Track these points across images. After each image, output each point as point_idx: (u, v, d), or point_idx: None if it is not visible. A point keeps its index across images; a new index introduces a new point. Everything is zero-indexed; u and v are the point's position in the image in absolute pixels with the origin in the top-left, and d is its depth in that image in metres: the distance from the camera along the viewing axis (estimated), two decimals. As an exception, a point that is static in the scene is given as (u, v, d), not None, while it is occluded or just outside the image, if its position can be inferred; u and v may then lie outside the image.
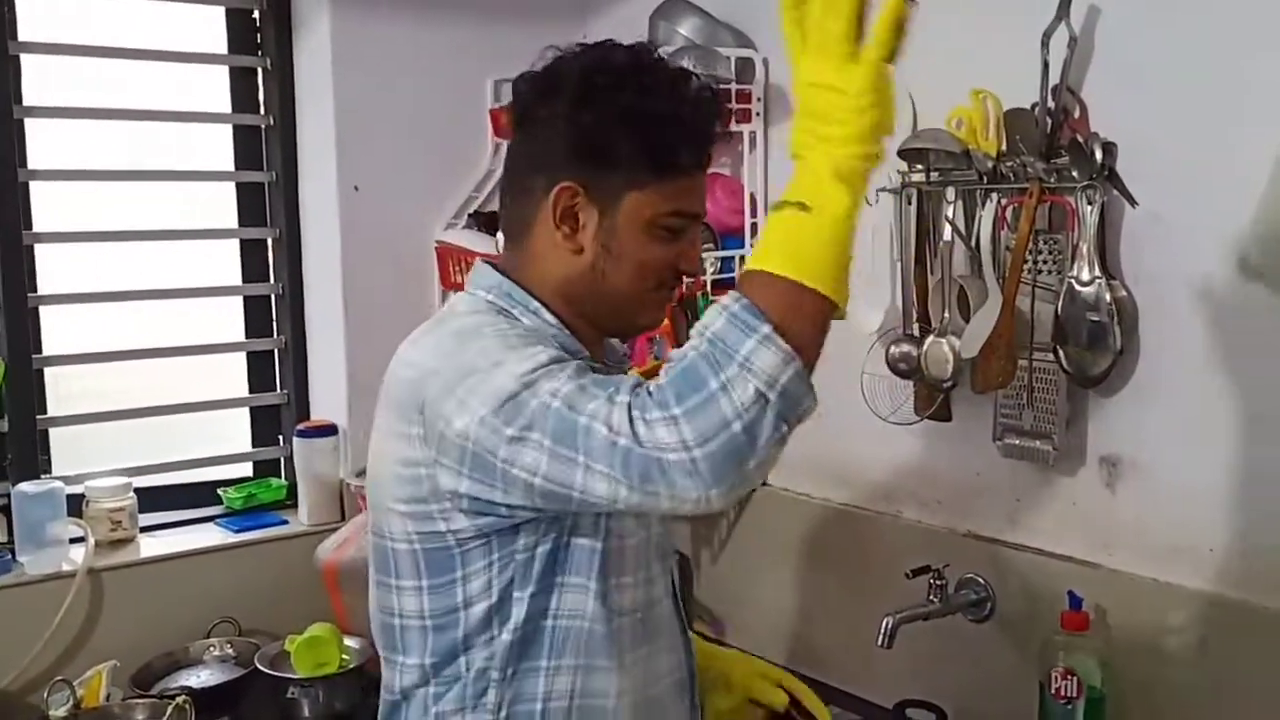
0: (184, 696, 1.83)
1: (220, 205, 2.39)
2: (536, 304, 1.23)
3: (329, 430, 2.31)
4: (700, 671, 1.39)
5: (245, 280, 2.41)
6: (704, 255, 2.09)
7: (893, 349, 1.91)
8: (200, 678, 2.01)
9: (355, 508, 2.23)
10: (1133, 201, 1.63)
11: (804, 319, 1.03)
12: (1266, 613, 1.53)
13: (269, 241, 2.41)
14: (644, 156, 1.18)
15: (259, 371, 2.45)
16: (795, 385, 1.01)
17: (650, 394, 1.02)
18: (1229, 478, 1.57)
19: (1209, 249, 1.55)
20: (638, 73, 1.19)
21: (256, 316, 2.43)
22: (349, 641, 2.06)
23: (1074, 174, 1.65)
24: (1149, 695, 1.66)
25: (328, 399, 2.39)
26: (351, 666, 2.01)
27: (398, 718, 1.27)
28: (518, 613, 1.20)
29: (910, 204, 1.85)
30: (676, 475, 1.00)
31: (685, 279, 1.29)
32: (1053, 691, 1.65)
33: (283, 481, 2.42)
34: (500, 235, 2.19)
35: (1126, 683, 1.67)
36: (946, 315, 1.83)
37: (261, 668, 1.99)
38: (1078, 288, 1.65)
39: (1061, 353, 1.68)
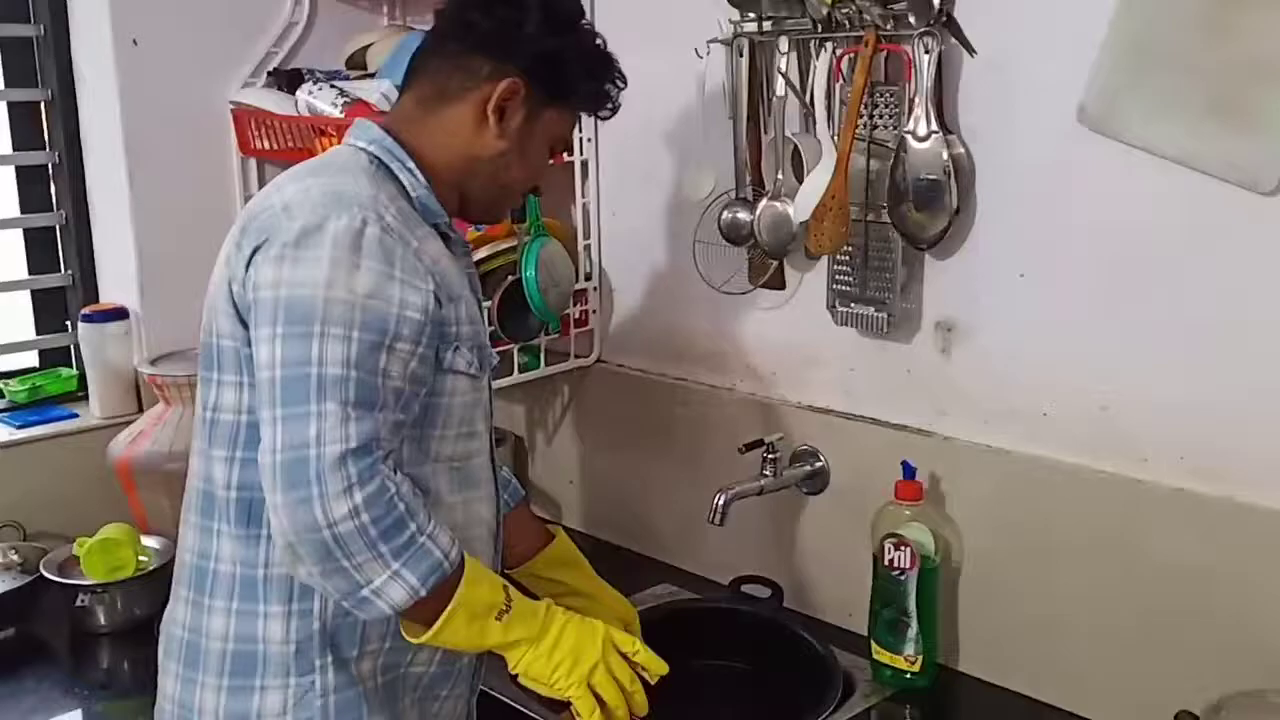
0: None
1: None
2: (413, 164, 1.26)
3: (119, 314, 2.10)
4: (561, 598, 1.39)
5: (16, 149, 2.15)
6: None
7: (725, 214, 1.81)
8: (-21, 587, 1.83)
9: (151, 397, 2.04)
10: (971, 50, 1.54)
11: (420, 619, 1.15)
12: (1100, 476, 1.50)
13: (41, 105, 2.15)
14: (580, 87, 1.32)
15: (39, 251, 2.21)
16: (375, 611, 1.12)
17: (368, 477, 1.09)
18: (1064, 341, 1.52)
19: (1048, 101, 1.47)
20: (588, 24, 1.36)
21: (32, 190, 2.18)
22: (148, 542, 1.90)
23: (911, 21, 1.54)
24: (985, 564, 1.63)
25: (118, 280, 2.17)
26: (151, 569, 1.85)
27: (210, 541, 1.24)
28: None
29: (741, 56, 1.73)
30: (300, 514, 1.08)
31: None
32: (886, 563, 1.61)
33: (73, 371, 2.21)
34: (304, 92, 2.02)
35: (962, 551, 1.64)
36: (780, 176, 1.72)
37: (48, 575, 1.82)
38: (913, 144, 1.56)
39: (897, 214, 1.59)
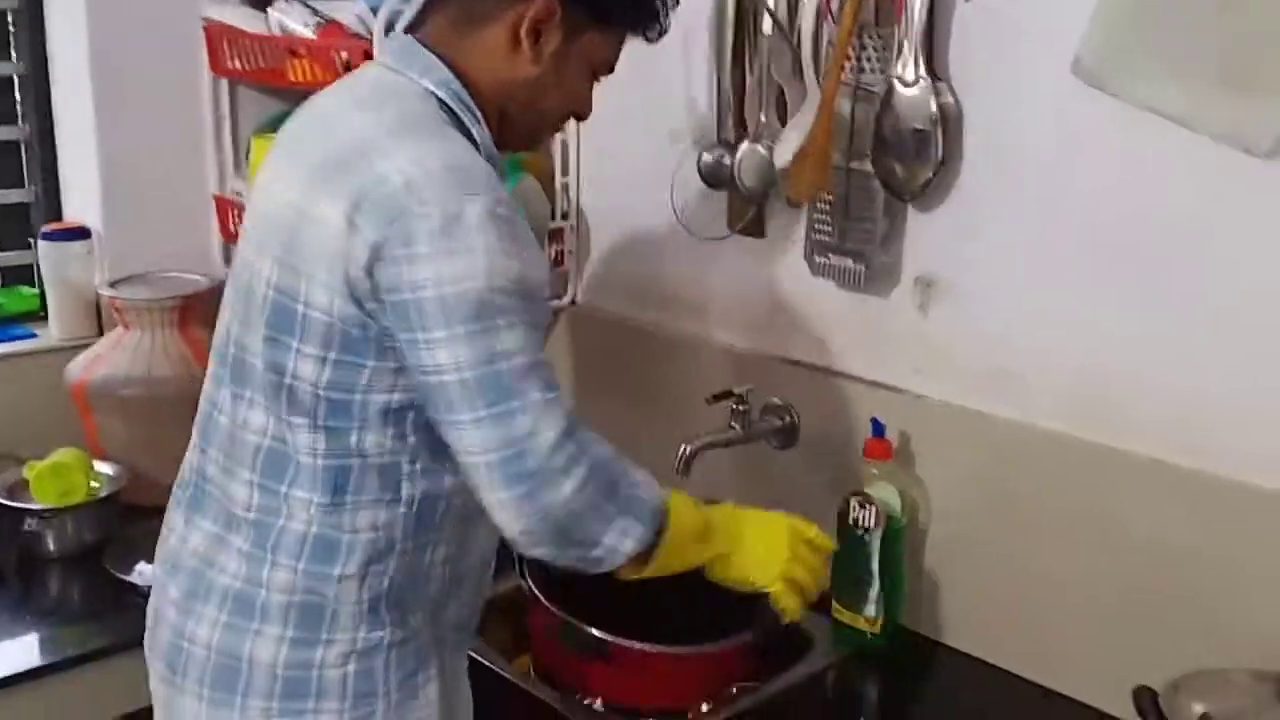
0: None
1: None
2: (480, 115, 1.20)
3: (81, 233, 2.04)
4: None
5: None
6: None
7: (705, 156, 1.74)
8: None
9: (111, 320, 1.99)
10: (964, -7, 1.47)
11: (655, 554, 1.20)
12: (1078, 444, 1.45)
13: (7, 13, 2.07)
14: (623, 8, 1.25)
15: (2, 165, 2.14)
16: (611, 565, 1.18)
17: (587, 449, 1.13)
18: (1047, 303, 1.47)
19: (1044, 51, 1.41)
20: None
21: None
22: (101, 467, 1.86)
23: (904, -41, 1.47)
24: (954, 528, 1.59)
25: (82, 198, 2.11)
26: (103, 495, 1.81)
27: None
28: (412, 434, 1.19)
29: (729, -9, 1.66)
30: (530, 506, 1.10)
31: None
32: (850, 521, 1.57)
33: (34, 290, 2.15)
34: (277, 10, 1.94)
35: (930, 513, 1.60)
36: (763, 118, 1.66)
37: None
38: (900, 90, 1.49)
39: (880, 163, 1.53)
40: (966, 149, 1.50)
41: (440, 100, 1.18)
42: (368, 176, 1.10)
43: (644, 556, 1.19)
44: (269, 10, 1.95)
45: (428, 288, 1.07)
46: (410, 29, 1.24)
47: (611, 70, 1.29)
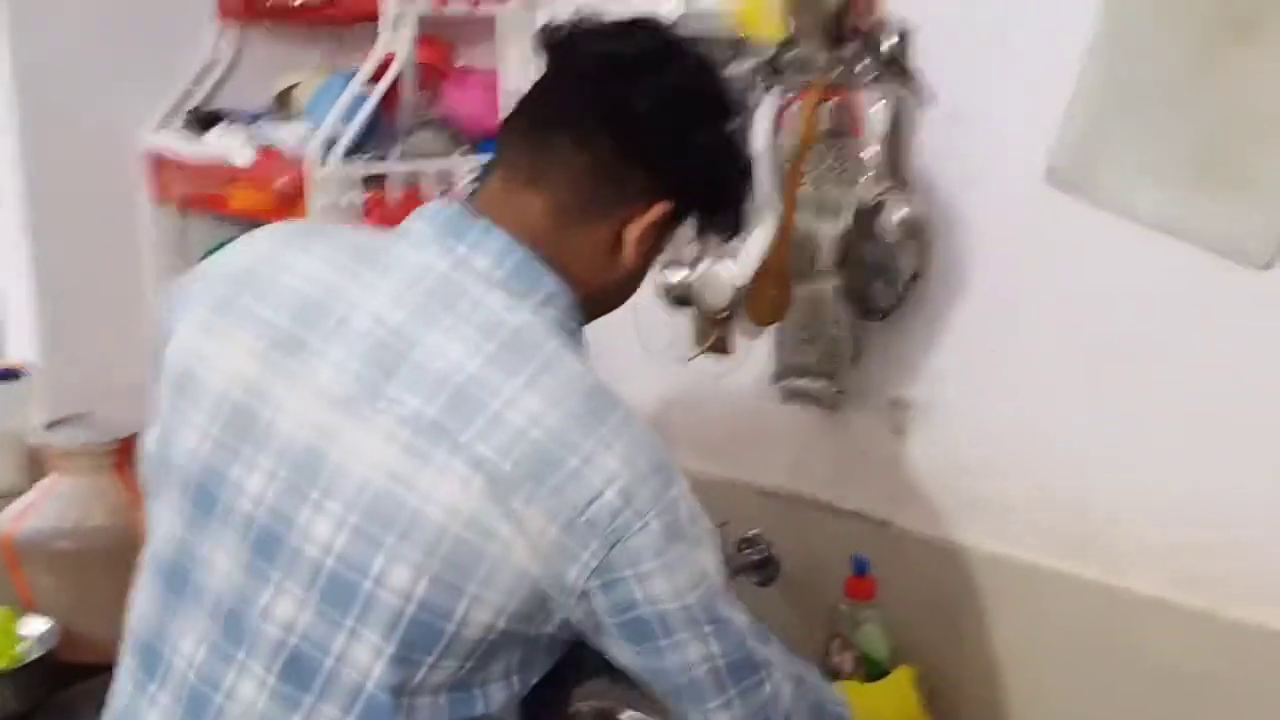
0: None
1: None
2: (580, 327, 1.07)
3: (13, 374, 1.94)
4: None
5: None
6: (460, 162, 1.80)
7: (665, 274, 1.64)
8: None
9: (47, 468, 1.87)
10: (926, 101, 1.38)
11: None
12: (1073, 581, 1.33)
13: (-59, 146, 2.00)
14: (723, 209, 1.14)
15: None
16: None
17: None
18: (1032, 425, 1.36)
19: (1016, 158, 1.31)
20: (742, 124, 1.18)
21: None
22: (30, 627, 1.72)
23: (863, 65, 1.38)
24: (939, 669, 1.45)
25: (19, 336, 2.01)
26: (32, 658, 1.68)
27: None
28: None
29: (681, 102, 1.56)
30: None
31: None
32: (830, 667, 1.44)
33: (-29, 433, 2.05)
34: (215, 134, 1.86)
35: (914, 656, 1.47)
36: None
37: None
38: (864, 202, 1.39)
39: (846, 279, 1.43)
40: (938, 262, 1.40)
41: (557, 325, 1.02)
42: (570, 491, 0.92)
43: None
44: (207, 135, 1.87)
45: (667, 601, 0.96)
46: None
47: None
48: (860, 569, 1.44)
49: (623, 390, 1.77)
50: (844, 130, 1.43)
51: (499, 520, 0.92)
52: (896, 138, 1.39)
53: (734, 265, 1.52)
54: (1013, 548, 1.38)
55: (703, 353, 1.64)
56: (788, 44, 1.45)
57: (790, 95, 1.45)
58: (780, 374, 1.55)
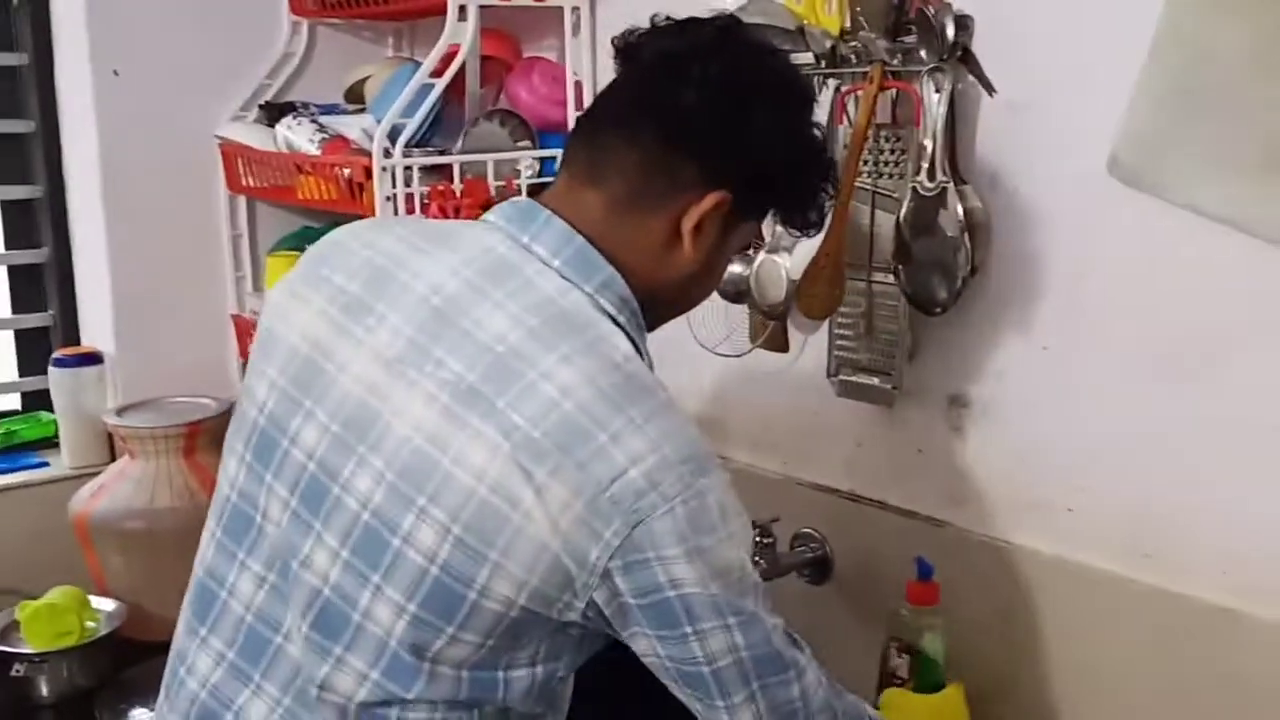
0: None
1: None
2: (642, 323, 1.07)
3: (92, 359, 1.99)
4: None
5: (1, 183, 2.06)
6: (520, 154, 1.80)
7: (720, 267, 1.62)
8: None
9: (119, 451, 1.92)
10: (990, 89, 1.34)
11: None
12: (1126, 584, 1.29)
13: (25, 137, 2.06)
14: (795, 203, 1.12)
15: (24, 289, 2.11)
16: None
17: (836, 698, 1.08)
18: (1092, 426, 1.31)
19: (1078, 149, 1.27)
20: (812, 112, 1.14)
21: (18, 224, 2.09)
22: (100, 605, 1.77)
23: (921, 55, 1.35)
24: (993, 671, 1.42)
25: (96, 322, 2.06)
26: (99, 635, 1.72)
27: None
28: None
29: (740, 93, 1.54)
30: None
31: None
32: (888, 671, 1.41)
33: (54, 416, 2.10)
34: (284, 127, 1.89)
35: (969, 658, 1.43)
36: (778, 227, 1.54)
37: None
38: (921, 195, 1.36)
39: (903, 273, 1.40)
40: (998, 256, 1.37)
41: (605, 311, 1.02)
42: (595, 466, 0.92)
43: None
44: (277, 127, 1.90)
45: (691, 587, 0.95)
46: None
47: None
48: (925, 573, 1.40)
49: (678, 383, 1.77)
50: (902, 121, 1.40)
51: (523, 488, 0.92)
52: (956, 128, 1.35)
53: (789, 259, 1.51)
54: (1073, 551, 1.34)
55: (757, 347, 1.62)
56: (846, 34, 1.42)
57: (848, 86, 1.43)
58: (836, 369, 1.52)
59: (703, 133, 1.05)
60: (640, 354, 1.04)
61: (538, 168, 1.83)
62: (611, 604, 0.96)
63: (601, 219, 1.05)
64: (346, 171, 1.75)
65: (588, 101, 1.85)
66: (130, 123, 1.96)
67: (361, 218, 1.86)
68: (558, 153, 1.81)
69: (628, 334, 1.03)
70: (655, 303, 1.09)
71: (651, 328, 1.11)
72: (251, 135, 1.97)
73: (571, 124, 1.83)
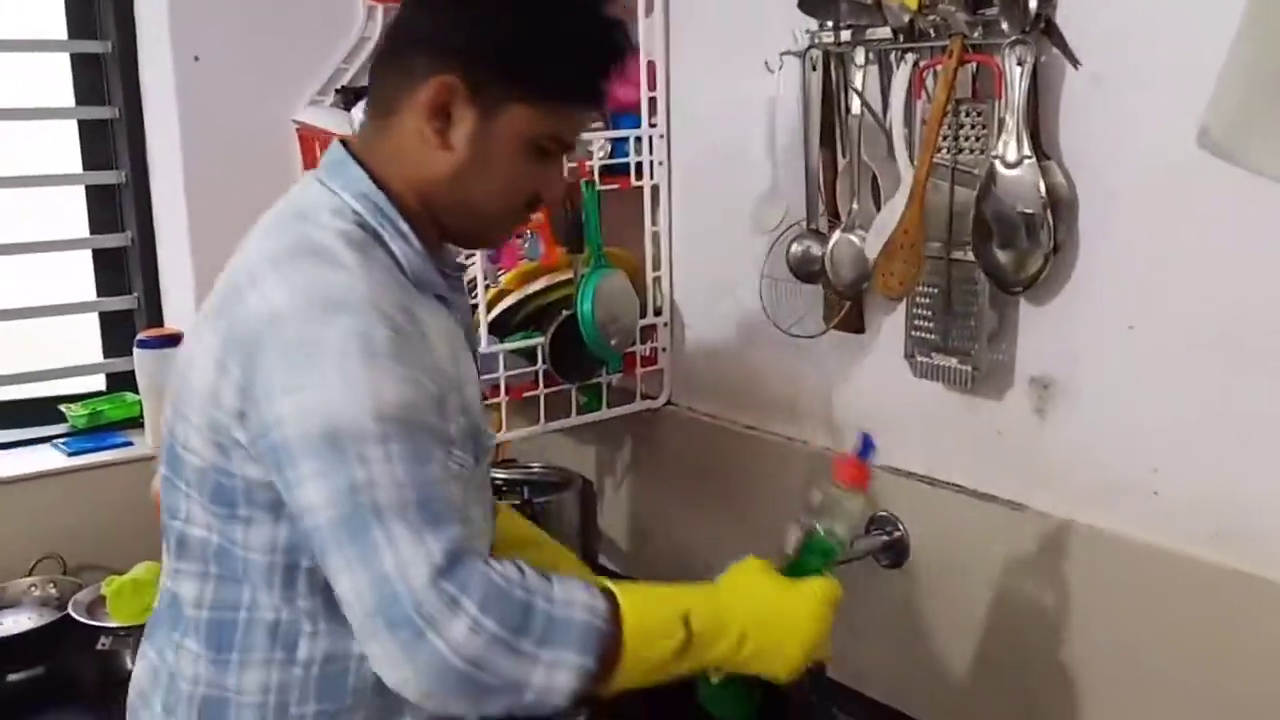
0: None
1: (54, 82, 2.08)
2: (405, 226, 1.09)
3: (175, 340, 2.02)
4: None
5: (86, 168, 2.11)
6: (592, 135, 1.80)
7: (794, 247, 1.61)
8: (8, 623, 1.76)
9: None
10: (1075, 61, 1.31)
11: (610, 679, 1.01)
12: (1208, 568, 1.25)
13: (109, 123, 2.10)
14: (552, 78, 1.08)
15: (108, 273, 2.16)
16: (546, 706, 0.98)
17: (471, 584, 0.95)
18: (1179, 408, 1.28)
19: (1165, 121, 1.23)
20: None
21: (102, 210, 2.13)
22: (182, 581, 1.80)
23: (1003, 28, 1.32)
24: (1067, 652, 1.39)
25: (179, 304, 2.10)
26: (181, 611, 1.76)
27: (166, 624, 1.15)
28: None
29: (815, 69, 1.53)
30: (420, 655, 0.93)
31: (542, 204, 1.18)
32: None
33: (138, 397, 2.15)
34: (358, 110, 1.91)
35: (1050, 646, 1.40)
36: (855, 205, 1.52)
37: (74, 614, 1.74)
38: (1002, 170, 1.33)
39: (983, 252, 1.37)
40: (1082, 234, 1.33)
41: (356, 215, 1.08)
42: (236, 311, 1.02)
43: (604, 674, 0.99)
44: (352, 110, 1.91)
45: (287, 424, 0.97)
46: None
47: (566, 146, 1.13)
48: (865, 451, 1.19)
49: (751, 364, 1.76)
50: (982, 95, 1.38)
51: (198, 344, 1.05)
52: (1038, 102, 1.32)
53: (865, 237, 1.49)
54: (1154, 534, 1.30)
55: (832, 328, 1.61)
56: (925, 7, 1.39)
57: (927, 60, 1.40)
58: (912, 350, 1.50)
59: (422, 21, 1.09)
60: (402, 267, 1.08)
61: (609, 149, 1.82)
62: (246, 451, 1.01)
63: (369, 135, 1.13)
64: (421, 153, 1.75)
65: (661, 82, 1.84)
66: (210, 108, 1.99)
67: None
68: (630, 134, 1.83)
69: (367, 226, 1.07)
70: (437, 206, 1.11)
71: (475, 241, 1.21)
72: (328, 119, 1.99)
73: (644, 105, 1.83)
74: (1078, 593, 1.38)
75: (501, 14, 1.07)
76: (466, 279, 1.70)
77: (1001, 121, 1.33)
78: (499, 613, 0.95)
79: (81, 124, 2.10)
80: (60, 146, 2.10)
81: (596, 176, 1.78)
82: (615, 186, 1.81)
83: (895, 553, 1.58)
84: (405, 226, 1.09)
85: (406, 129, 1.08)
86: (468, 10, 1.07)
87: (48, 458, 2.00)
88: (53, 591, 1.84)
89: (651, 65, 1.84)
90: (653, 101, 1.84)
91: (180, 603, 1.12)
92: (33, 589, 1.85)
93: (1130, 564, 1.33)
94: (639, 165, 1.83)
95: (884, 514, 1.58)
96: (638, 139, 1.83)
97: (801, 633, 1.06)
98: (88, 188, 2.12)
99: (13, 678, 1.70)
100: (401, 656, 0.93)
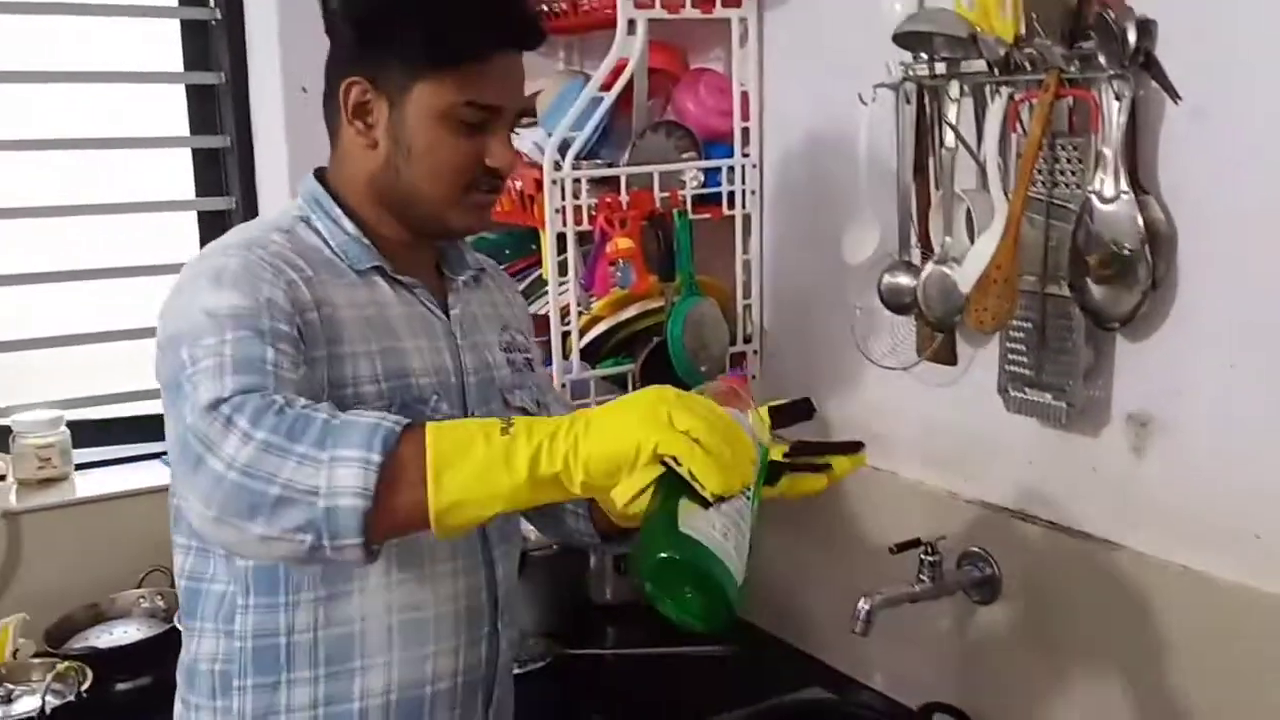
0: (72, 664, 1.65)
1: (169, 113, 2.17)
2: (338, 211, 1.17)
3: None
4: None
5: (199, 195, 2.19)
6: (685, 165, 1.81)
7: (886, 279, 1.60)
8: (117, 634, 1.84)
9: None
10: (1175, 95, 1.29)
11: (408, 493, 0.91)
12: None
13: (221, 152, 2.18)
14: (420, 44, 1.10)
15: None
16: (346, 521, 0.90)
17: (249, 405, 0.94)
18: (1277, 448, 1.25)
19: (1267, 155, 1.21)
20: None
21: (210, 232, 2.21)
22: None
23: (1100, 61, 1.31)
24: (1165, 697, 1.36)
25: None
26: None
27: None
28: None
29: (909, 103, 1.53)
30: (201, 480, 0.93)
31: (501, 179, 1.17)
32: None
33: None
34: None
35: (1150, 694, 1.38)
36: (949, 238, 1.51)
37: (179, 625, 1.79)
38: (1099, 205, 1.32)
39: (1079, 287, 1.35)
40: (1181, 270, 1.31)
41: (300, 209, 1.18)
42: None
43: (416, 496, 0.90)
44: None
45: (158, 352, 1.05)
46: None
47: (490, 110, 1.10)
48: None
49: (842, 395, 1.76)
50: (1079, 129, 1.36)
51: None
52: (1136, 136, 1.30)
53: (959, 270, 1.48)
54: (1255, 578, 1.27)
55: (924, 360, 1.60)
56: (1021, 40, 1.39)
57: (1023, 94, 1.39)
58: (1006, 385, 1.48)
59: (333, 46, 1.16)
60: (311, 226, 1.15)
61: (702, 179, 1.84)
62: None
63: (330, 159, 1.21)
64: (519, 184, 1.79)
65: (754, 112, 1.86)
66: (317, 138, 2.03)
67: (533, 230, 1.93)
68: (723, 163, 1.84)
69: (303, 215, 1.16)
70: (389, 203, 1.16)
71: (424, 228, 1.17)
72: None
73: (738, 135, 1.85)
74: (1173, 635, 1.35)
75: (371, 3, 1.13)
76: (559, 305, 1.75)
77: (1099, 155, 1.31)
78: (272, 422, 0.92)
79: (196, 154, 2.18)
80: (168, 174, 2.18)
81: (689, 206, 1.80)
82: (707, 216, 1.83)
83: (987, 589, 1.56)
84: (338, 211, 1.16)
85: (345, 141, 1.17)
86: (351, 11, 1.13)
87: (156, 473, 2.07)
88: (160, 603, 1.91)
89: (745, 95, 1.85)
90: (745, 131, 1.86)
91: (178, 577, 1.19)
92: (141, 600, 1.92)
93: (1229, 608, 1.29)
94: (731, 194, 1.85)
95: (976, 550, 1.57)
96: (730, 169, 1.85)
97: (637, 407, 0.90)
98: (200, 213, 2.20)
99: (121, 687, 1.77)
100: (190, 489, 0.94)
